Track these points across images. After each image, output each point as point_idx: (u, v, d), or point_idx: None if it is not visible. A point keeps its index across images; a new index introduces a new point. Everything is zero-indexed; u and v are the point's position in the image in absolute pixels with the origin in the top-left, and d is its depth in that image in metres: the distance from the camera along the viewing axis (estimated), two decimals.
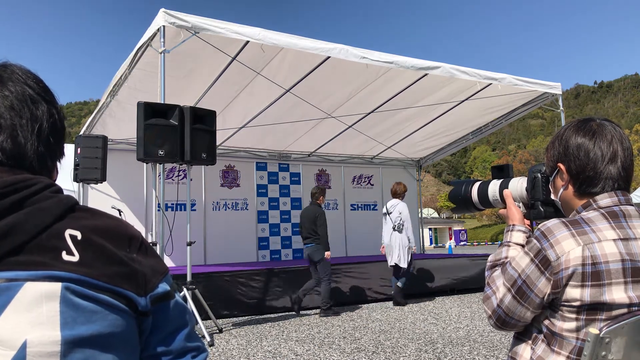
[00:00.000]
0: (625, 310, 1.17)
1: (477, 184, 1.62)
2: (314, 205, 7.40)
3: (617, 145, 1.29)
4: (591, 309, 1.17)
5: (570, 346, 1.20)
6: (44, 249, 0.71)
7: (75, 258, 0.72)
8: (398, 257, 7.62)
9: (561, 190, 1.36)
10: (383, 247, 7.95)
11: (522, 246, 1.41)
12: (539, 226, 1.27)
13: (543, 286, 1.22)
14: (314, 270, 7.24)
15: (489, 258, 1.46)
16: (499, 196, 1.54)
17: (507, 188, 1.53)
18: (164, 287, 0.82)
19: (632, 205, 1.29)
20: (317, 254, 7.12)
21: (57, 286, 0.69)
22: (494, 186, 1.57)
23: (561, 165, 1.34)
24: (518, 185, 1.51)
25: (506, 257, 1.40)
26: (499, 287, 1.32)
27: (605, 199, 1.28)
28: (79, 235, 0.74)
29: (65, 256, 0.72)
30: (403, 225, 7.68)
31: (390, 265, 7.77)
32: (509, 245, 1.43)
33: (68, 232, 0.74)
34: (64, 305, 0.69)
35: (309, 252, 7.22)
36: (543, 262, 1.21)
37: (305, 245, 7.31)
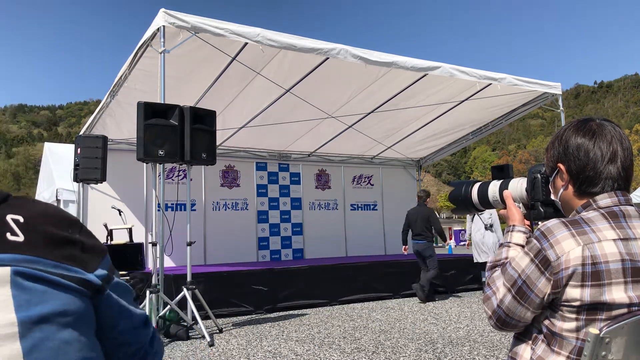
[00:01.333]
0: (625, 310, 1.17)
1: (477, 185, 1.62)
2: (423, 206, 8.46)
3: (617, 145, 1.29)
4: (591, 309, 1.17)
5: (570, 346, 1.20)
6: None
7: (20, 238, 0.73)
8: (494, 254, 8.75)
9: (561, 190, 1.36)
10: (469, 244, 8.71)
11: (522, 247, 1.41)
12: (539, 226, 1.27)
13: (543, 286, 1.22)
14: (423, 263, 8.19)
15: (489, 259, 1.47)
16: (499, 197, 1.54)
17: (507, 189, 1.53)
18: (102, 271, 0.82)
19: (632, 205, 1.29)
20: (428, 250, 8.13)
21: (6, 271, 0.70)
22: (494, 187, 1.57)
23: (561, 166, 1.34)
24: (518, 185, 1.51)
25: (506, 258, 1.40)
26: (499, 288, 1.32)
27: (605, 199, 1.28)
28: (21, 218, 0.75)
29: (10, 237, 0.72)
30: (493, 226, 8.48)
31: (479, 262, 8.43)
32: (509, 246, 1.44)
33: (10, 217, 0.75)
34: (14, 289, 0.69)
35: (420, 248, 8.17)
36: (543, 262, 1.22)
37: (416, 241, 8.25)
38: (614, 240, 1.20)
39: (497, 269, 1.40)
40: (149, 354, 0.90)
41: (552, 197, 1.41)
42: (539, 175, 1.43)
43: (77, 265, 0.76)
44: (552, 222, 1.25)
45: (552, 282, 1.20)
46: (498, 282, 1.34)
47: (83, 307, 0.75)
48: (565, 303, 1.19)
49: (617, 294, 1.16)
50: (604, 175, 1.28)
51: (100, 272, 0.80)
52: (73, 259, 0.76)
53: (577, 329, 1.19)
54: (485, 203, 1.58)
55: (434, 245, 8.41)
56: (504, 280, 1.31)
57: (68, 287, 0.74)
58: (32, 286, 0.71)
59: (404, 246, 8.58)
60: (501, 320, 1.31)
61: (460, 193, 1.63)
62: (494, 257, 1.45)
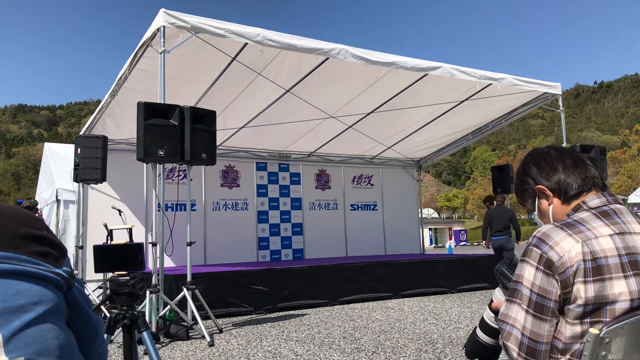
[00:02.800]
0: (627, 306, 1.17)
1: (477, 329, 1.58)
2: (503, 207, 9.65)
3: (574, 152, 1.43)
4: (595, 309, 1.18)
5: (572, 350, 1.20)
6: None
7: None
8: None
9: (550, 208, 1.41)
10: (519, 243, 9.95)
11: None
12: (534, 233, 1.28)
13: (556, 289, 1.20)
14: (501, 258, 9.15)
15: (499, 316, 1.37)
16: (493, 314, 1.52)
17: (492, 303, 1.55)
18: (66, 268, 0.86)
19: (621, 204, 1.32)
20: (510, 244, 9.23)
21: None
22: (486, 314, 1.56)
23: (541, 186, 1.41)
24: (497, 292, 1.54)
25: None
26: (516, 317, 1.26)
27: (594, 200, 1.32)
28: None
29: None
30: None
31: None
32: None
33: None
34: None
35: (502, 242, 9.26)
36: (547, 265, 1.21)
37: (498, 237, 9.32)
38: (610, 235, 1.22)
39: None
40: (105, 352, 0.96)
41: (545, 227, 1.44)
42: (501, 267, 1.51)
43: (47, 261, 0.80)
44: (547, 227, 1.27)
45: (560, 282, 1.19)
46: (512, 312, 1.28)
47: (56, 298, 0.79)
48: (572, 304, 1.19)
49: (619, 288, 1.17)
50: (582, 176, 1.37)
51: (66, 268, 0.83)
52: (44, 254, 0.80)
53: (582, 334, 1.19)
54: (492, 332, 1.52)
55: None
56: (519, 305, 1.26)
57: (43, 278, 0.77)
58: (8, 280, 0.74)
59: (484, 242, 9.70)
60: (530, 350, 1.23)
61: (473, 346, 1.58)
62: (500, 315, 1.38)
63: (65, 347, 0.77)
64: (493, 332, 1.51)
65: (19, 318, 0.73)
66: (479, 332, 1.56)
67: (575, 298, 1.18)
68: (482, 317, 1.57)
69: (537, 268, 1.23)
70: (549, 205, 1.41)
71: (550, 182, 1.40)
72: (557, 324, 1.23)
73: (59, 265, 0.82)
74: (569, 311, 1.20)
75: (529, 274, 1.24)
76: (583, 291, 1.17)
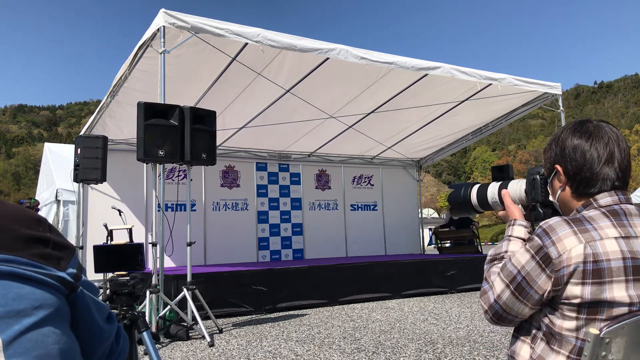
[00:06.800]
0: (626, 309, 1.17)
1: (476, 187, 1.62)
2: None
3: (613, 146, 1.29)
4: (591, 308, 1.18)
5: (570, 345, 1.20)
6: None
7: None
8: None
9: (559, 191, 1.37)
10: None
11: (523, 240, 1.42)
12: (541, 223, 1.28)
13: (543, 283, 1.22)
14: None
15: (489, 252, 1.47)
16: (498, 198, 1.53)
17: (506, 189, 1.54)
18: (72, 270, 0.84)
19: (632, 204, 1.30)
20: None
21: None
22: (493, 188, 1.56)
23: (558, 167, 1.35)
24: (517, 187, 1.51)
25: (506, 251, 1.42)
26: (494, 283, 1.33)
27: (605, 198, 1.29)
28: None
29: None
30: None
31: None
32: (509, 240, 1.45)
33: None
34: None
35: None
36: (544, 259, 1.22)
37: None
38: (616, 238, 1.20)
39: (496, 262, 1.41)
40: (114, 352, 0.93)
41: (550, 198, 1.42)
42: (537, 177, 1.43)
43: (50, 264, 0.78)
44: (554, 220, 1.25)
45: (552, 279, 1.20)
46: (495, 277, 1.35)
47: (58, 302, 0.77)
48: (566, 301, 1.19)
49: (618, 292, 1.16)
50: (601, 176, 1.28)
51: (71, 270, 0.81)
52: (46, 257, 0.78)
53: (577, 328, 1.19)
54: (484, 205, 1.58)
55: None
56: (502, 276, 1.32)
57: (43, 283, 0.76)
58: (8, 283, 0.73)
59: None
60: (497, 315, 1.32)
61: (459, 195, 1.63)
62: (494, 250, 1.46)
63: (66, 353, 0.76)
64: (482, 201, 1.57)
65: (19, 322, 0.71)
66: (475, 189, 1.60)
67: (568, 297, 1.19)
68: (489, 185, 1.58)
69: (532, 257, 1.24)
70: (559, 189, 1.36)
71: (568, 169, 1.32)
72: (539, 310, 1.28)
73: (62, 268, 0.80)
74: (562, 305, 1.21)
75: (522, 257, 1.27)
76: (579, 292, 1.17)
